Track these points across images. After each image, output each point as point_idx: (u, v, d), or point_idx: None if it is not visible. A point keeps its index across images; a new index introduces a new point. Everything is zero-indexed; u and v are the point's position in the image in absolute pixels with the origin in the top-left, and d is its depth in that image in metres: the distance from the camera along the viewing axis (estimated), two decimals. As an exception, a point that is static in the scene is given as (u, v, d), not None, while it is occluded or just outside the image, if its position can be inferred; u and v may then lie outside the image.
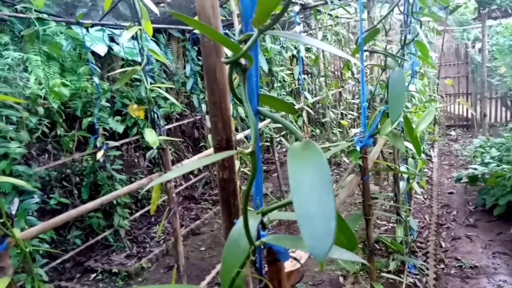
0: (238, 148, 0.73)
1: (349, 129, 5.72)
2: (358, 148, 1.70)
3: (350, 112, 6.70)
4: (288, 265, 1.06)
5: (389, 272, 3.00)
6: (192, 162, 0.71)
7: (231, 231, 0.78)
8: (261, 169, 0.94)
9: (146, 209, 4.95)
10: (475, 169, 4.64)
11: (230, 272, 0.71)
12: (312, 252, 0.53)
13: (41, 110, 3.79)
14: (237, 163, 2.72)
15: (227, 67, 0.88)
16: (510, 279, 3.29)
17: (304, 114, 5.02)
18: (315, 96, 6.45)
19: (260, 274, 0.89)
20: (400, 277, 2.92)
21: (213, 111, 1.10)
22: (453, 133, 8.59)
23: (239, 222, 0.78)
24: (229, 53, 0.74)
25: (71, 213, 1.85)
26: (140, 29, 2.22)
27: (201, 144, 6.11)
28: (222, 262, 0.74)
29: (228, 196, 1.10)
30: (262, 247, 0.85)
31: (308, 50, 6.99)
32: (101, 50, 4.41)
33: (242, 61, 0.70)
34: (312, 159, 0.62)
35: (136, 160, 5.16)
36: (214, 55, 1.04)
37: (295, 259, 0.94)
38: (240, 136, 3.32)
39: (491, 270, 3.43)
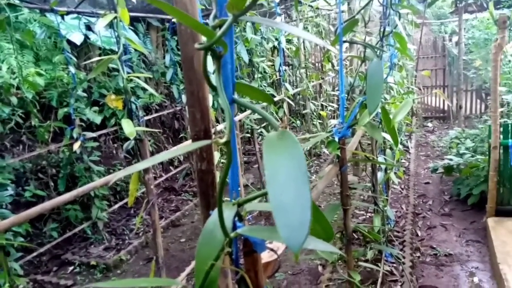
0: (214, 138, 0.71)
1: (329, 120, 5.76)
2: (336, 139, 1.71)
3: (330, 104, 6.75)
4: (265, 256, 1.06)
5: (366, 261, 3.05)
6: (167, 152, 0.71)
7: (206, 222, 0.77)
8: (237, 159, 0.93)
9: (125, 201, 4.88)
10: (451, 159, 4.75)
11: (204, 264, 0.70)
12: (287, 242, 0.52)
13: (14, 100, 3.67)
14: (216, 155, 2.70)
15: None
16: (482, 265, 3.40)
17: (285, 105, 5.03)
18: (296, 88, 6.46)
19: (236, 266, 0.89)
20: (377, 265, 2.98)
21: (191, 101, 1.08)
22: (429, 124, 8.77)
23: (215, 213, 0.77)
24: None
25: (45, 205, 1.80)
26: (116, 17, 2.16)
27: (181, 135, 6.05)
28: (196, 254, 0.73)
29: (207, 187, 1.09)
30: (238, 238, 0.84)
31: (289, 41, 6.97)
32: (77, 38, 4.29)
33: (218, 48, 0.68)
34: (287, 149, 0.62)
35: (114, 152, 5.08)
36: (191, 43, 1.02)
37: (271, 250, 0.94)
38: (220, 127, 3.29)
39: (465, 258, 3.54)
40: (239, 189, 1.00)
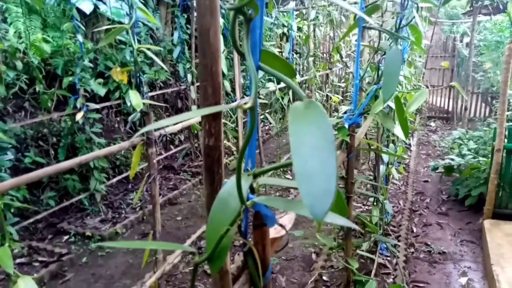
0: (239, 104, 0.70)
1: (333, 111, 5.73)
2: (346, 126, 1.69)
3: (336, 95, 6.70)
4: (272, 232, 1.05)
5: (361, 251, 3.06)
6: (188, 113, 0.69)
7: (220, 191, 0.76)
8: (257, 128, 0.91)
9: (123, 175, 4.88)
10: (452, 159, 4.75)
11: (217, 231, 0.69)
12: (310, 210, 0.51)
13: (19, 64, 3.63)
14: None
15: (220, 29, 0.84)
16: (474, 265, 3.43)
17: (291, 92, 4.99)
18: (302, 77, 6.41)
19: (245, 238, 0.88)
20: (372, 256, 2.99)
21: (203, 75, 1.06)
22: (433, 124, 8.75)
23: (230, 182, 0.76)
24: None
25: (48, 169, 1.79)
26: (130, -15, 2.12)
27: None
28: (208, 221, 0.72)
29: (212, 163, 1.08)
30: (249, 210, 0.83)
31: (299, 29, 6.90)
32: (87, 7, 4.23)
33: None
34: (314, 118, 0.60)
35: (116, 125, 5.05)
36: (209, 15, 1.00)
37: (280, 225, 0.93)
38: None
39: (458, 257, 3.56)
40: (249, 166, 0.98)
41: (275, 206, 0.71)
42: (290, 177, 5.39)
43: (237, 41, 0.68)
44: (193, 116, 0.68)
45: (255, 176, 0.77)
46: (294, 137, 0.57)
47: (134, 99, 2.11)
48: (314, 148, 0.56)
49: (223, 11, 4.43)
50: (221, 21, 4.16)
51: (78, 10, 4.06)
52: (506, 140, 3.66)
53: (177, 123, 2.50)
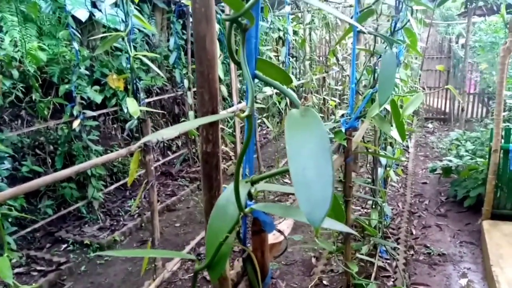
0: (236, 112, 0.70)
1: (330, 114, 5.74)
2: (343, 130, 1.69)
3: (332, 98, 6.72)
4: (270, 238, 1.05)
5: (361, 255, 3.06)
6: (190, 122, 0.68)
7: (219, 198, 0.76)
8: (254, 137, 0.92)
9: (121, 182, 4.87)
10: (450, 161, 4.75)
11: (216, 238, 0.69)
12: (308, 217, 0.51)
13: (15, 73, 3.62)
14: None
15: (216, 35, 0.84)
16: (474, 266, 3.42)
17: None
18: (299, 80, 6.42)
19: (243, 245, 0.88)
20: (372, 260, 2.99)
21: (200, 82, 1.07)
22: (430, 125, 8.77)
23: (228, 189, 0.76)
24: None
25: (46, 178, 1.78)
26: (126, -7, 2.12)
27: (182, 120, 6.02)
28: (207, 228, 0.72)
29: (211, 169, 1.08)
30: (248, 217, 0.83)
31: (295, 33, 6.92)
32: (82, 15, 4.23)
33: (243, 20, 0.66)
34: (310, 125, 0.60)
35: (113, 132, 5.05)
36: (204, 22, 1.00)
37: (279, 231, 0.93)
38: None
39: (458, 258, 3.56)
40: (247, 172, 0.98)
41: (273, 213, 0.71)
42: (289, 181, 5.39)
43: (233, 50, 0.68)
44: (193, 126, 0.69)
45: (253, 182, 0.77)
46: (291, 145, 0.58)
47: (131, 106, 2.10)
48: (311, 156, 0.56)
49: (218, 16, 4.44)
50: (217, 26, 4.16)
51: (74, 17, 4.06)
52: (503, 141, 3.67)
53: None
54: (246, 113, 0.64)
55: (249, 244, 0.93)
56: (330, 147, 0.52)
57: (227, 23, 0.65)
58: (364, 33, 1.99)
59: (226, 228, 0.69)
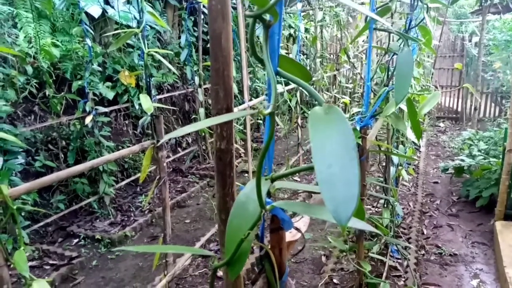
0: (257, 108, 0.70)
1: (344, 112, 5.69)
2: (358, 128, 1.68)
3: (343, 96, 6.69)
4: (287, 236, 1.05)
5: (372, 254, 3.04)
6: (209, 120, 0.68)
7: (239, 195, 0.76)
8: (273, 134, 0.91)
9: (132, 178, 4.90)
10: (462, 160, 4.70)
11: (236, 235, 0.69)
12: (334, 216, 0.51)
13: (29, 69, 3.66)
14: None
15: (231, 33, 0.83)
16: (486, 267, 3.39)
17: (298, 94, 4.98)
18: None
19: (261, 242, 0.88)
20: (383, 259, 2.97)
21: (215, 79, 1.06)
22: (441, 124, 8.68)
23: (247, 186, 0.75)
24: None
25: (60, 174, 1.80)
26: (140, -11, 2.13)
27: (192, 117, 6.03)
28: (228, 225, 0.72)
29: (224, 166, 1.08)
30: (267, 215, 0.83)
31: (306, 30, 6.89)
32: (95, 11, 4.26)
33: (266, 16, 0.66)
34: (335, 123, 0.60)
35: (124, 129, 5.08)
36: (220, 19, 1.00)
37: (296, 229, 0.93)
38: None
39: (469, 259, 3.52)
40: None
41: (294, 211, 0.71)
42: (299, 179, 5.37)
43: (256, 47, 0.68)
44: (216, 122, 0.68)
45: (273, 180, 0.77)
46: (315, 143, 0.57)
47: (145, 103, 2.11)
48: (336, 154, 0.56)
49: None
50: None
51: (87, 14, 4.09)
52: (517, 141, 3.61)
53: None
54: (269, 110, 0.63)
55: (266, 242, 0.92)
56: (355, 145, 0.52)
57: (251, 20, 0.65)
58: (381, 30, 1.97)
59: (247, 225, 0.69)
